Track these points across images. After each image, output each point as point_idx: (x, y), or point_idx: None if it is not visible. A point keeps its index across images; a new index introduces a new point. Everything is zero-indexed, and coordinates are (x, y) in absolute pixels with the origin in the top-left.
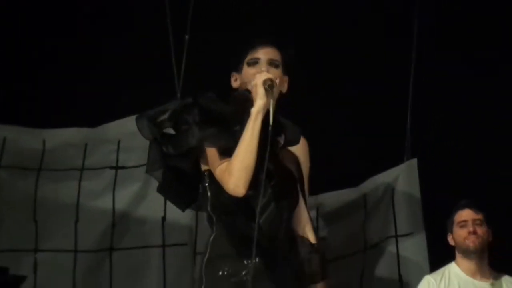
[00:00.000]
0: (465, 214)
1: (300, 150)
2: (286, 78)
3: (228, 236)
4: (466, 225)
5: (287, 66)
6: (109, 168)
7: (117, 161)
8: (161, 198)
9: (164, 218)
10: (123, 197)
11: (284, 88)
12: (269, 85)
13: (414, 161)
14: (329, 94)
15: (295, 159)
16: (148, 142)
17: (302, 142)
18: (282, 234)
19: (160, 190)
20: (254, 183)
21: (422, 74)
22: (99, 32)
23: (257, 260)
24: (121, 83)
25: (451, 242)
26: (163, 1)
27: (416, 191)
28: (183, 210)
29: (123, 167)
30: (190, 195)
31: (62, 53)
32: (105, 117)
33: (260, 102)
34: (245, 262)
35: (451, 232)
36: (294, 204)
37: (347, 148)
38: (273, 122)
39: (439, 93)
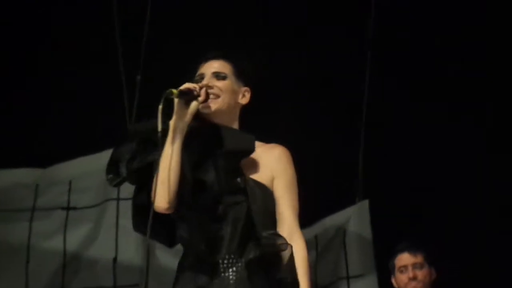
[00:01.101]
0: (404, 258)
1: (272, 159)
2: (243, 89)
3: (183, 257)
4: (405, 270)
5: (245, 76)
6: (61, 209)
7: (69, 202)
8: (112, 239)
9: (115, 259)
10: (74, 238)
11: (244, 99)
12: (180, 93)
13: (365, 203)
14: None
15: (265, 171)
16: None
17: (275, 150)
18: (228, 250)
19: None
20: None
21: (374, 115)
22: (50, 71)
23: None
24: (73, 124)
25: (395, 286)
26: (115, 40)
27: (367, 232)
28: (170, 247)
29: (74, 208)
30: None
31: (12, 92)
32: (57, 158)
33: (174, 118)
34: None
35: (394, 276)
36: (245, 218)
37: (298, 189)
38: (210, 133)
39: (391, 134)
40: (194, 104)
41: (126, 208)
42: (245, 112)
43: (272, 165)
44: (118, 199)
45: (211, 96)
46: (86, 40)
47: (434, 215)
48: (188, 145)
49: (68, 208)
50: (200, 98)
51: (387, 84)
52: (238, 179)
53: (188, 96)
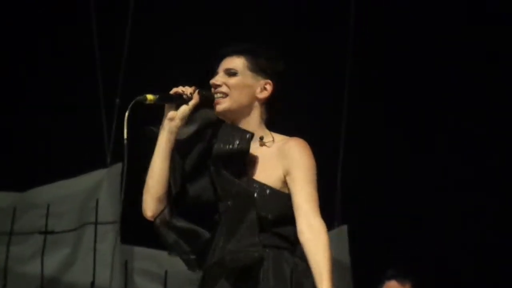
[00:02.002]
0: (391, 286)
1: (284, 154)
2: (262, 82)
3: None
4: None
5: (264, 69)
6: (38, 233)
7: (46, 226)
8: (90, 263)
9: (93, 284)
10: (52, 262)
11: (264, 93)
12: (160, 98)
13: (344, 228)
14: None
15: (275, 169)
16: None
17: (287, 144)
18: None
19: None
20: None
21: (352, 141)
22: (29, 94)
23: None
24: (51, 147)
25: None
26: (94, 63)
27: (346, 257)
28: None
29: (52, 232)
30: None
31: None
32: (35, 182)
33: (163, 123)
34: None
35: None
36: (249, 224)
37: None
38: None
39: (368, 160)
40: (182, 108)
41: (104, 232)
42: None
43: (283, 161)
44: (96, 223)
45: (217, 95)
46: (65, 63)
47: (412, 239)
48: (192, 149)
49: (46, 232)
50: (193, 101)
51: (366, 112)
52: (236, 182)
53: (177, 101)
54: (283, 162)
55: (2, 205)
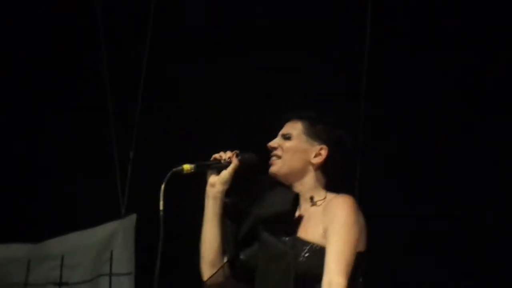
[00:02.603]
0: None
1: (327, 211)
2: (317, 147)
3: None
4: None
5: (319, 134)
6: (53, 284)
7: (61, 277)
8: None
9: None
10: None
11: (318, 158)
12: (197, 167)
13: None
14: None
15: (318, 226)
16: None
17: (332, 201)
18: None
19: None
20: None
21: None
22: (39, 145)
23: None
24: (65, 199)
25: None
26: (108, 115)
27: None
28: None
29: (66, 284)
30: None
31: (3, 166)
32: (49, 233)
33: (206, 189)
34: None
35: None
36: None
37: None
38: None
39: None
40: (223, 173)
41: (119, 284)
42: None
43: (324, 217)
44: (110, 274)
45: (273, 158)
46: (79, 115)
47: None
48: (248, 215)
49: (60, 284)
50: (232, 165)
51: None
52: (275, 243)
53: (215, 167)
54: (324, 219)
55: (17, 256)
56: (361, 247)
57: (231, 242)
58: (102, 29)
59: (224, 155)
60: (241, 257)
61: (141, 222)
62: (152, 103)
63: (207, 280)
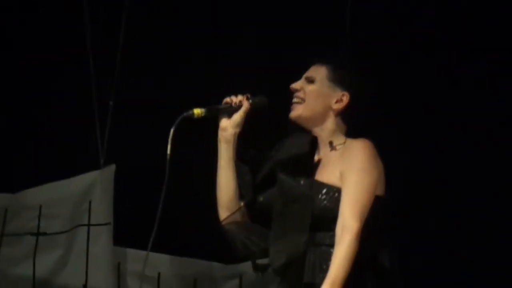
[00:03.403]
0: None
1: (344, 155)
2: (340, 93)
3: None
4: None
5: (342, 81)
6: (30, 234)
7: (39, 227)
8: (82, 266)
9: (85, 286)
10: (44, 264)
11: (339, 104)
12: (208, 110)
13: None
14: None
15: (334, 170)
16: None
17: (350, 145)
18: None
19: None
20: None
21: None
22: (21, 97)
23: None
24: (43, 149)
25: None
26: (88, 68)
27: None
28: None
29: (44, 234)
30: None
31: None
32: (27, 183)
33: (219, 133)
34: None
35: None
36: (299, 225)
37: None
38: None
39: None
40: (234, 117)
41: (97, 234)
42: None
43: (341, 161)
44: (88, 225)
45: (294, 99)
46: (58, 65)
47: None
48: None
49: (38, 234)
50: (243, 108)
51: None
52: (293, 184)
53: (226, 111)
54: (342, 162)
55: None
56: (380, 191)
57: (248, 185)
58: None
59: (235, 99)
60: (260, 199)
61: (120, 172)
62: (133, 52)
63: (223, 221)
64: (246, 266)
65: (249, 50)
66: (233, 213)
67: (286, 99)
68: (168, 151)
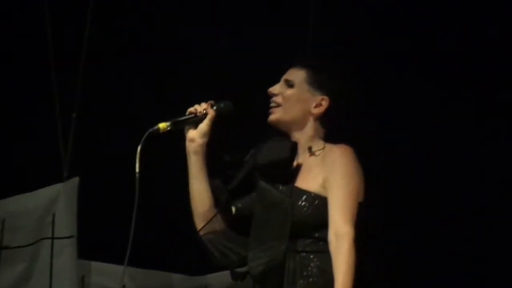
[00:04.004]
0: None
1: (326, 161)
2: (319, 98)
3: None
4: None
5: (322, 85)
6: None
7: (2, 240)
8: (46, 279)
9: None
10: (8, 278)
11: (319, 109)
12: (173, 123)
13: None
14: None
15: (316, 176)
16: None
17: (330, 151)
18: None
19: None
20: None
21: None
22: None
23: None
24: (6, 162)
25: None
26: (51, 80)
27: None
28: None
29: (7, 247)
30: None
31: None
32: None
33: (186, 144)
34: None
35: None
36: (278, 231)
37: None
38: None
39: None
40: (200, 126)
41: (61, 247)
42: None
43: (323, 167)
44: (52, 238)
45: (272, 104)
46: (20, 77)
47: None
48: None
49: (1, 248)
50: (208, 116)
51: None
52: (273, 191)
53: (192, 121)
54: (323, 169)
55: None
56: (360, 198)
57: (222, 192)
58: None
59: (199, 108)
60: (238, 205)
61: (84, 184)
62: (96, 63)
63: (200, 231)
64: (211, 278)
65: (213, 56)
66: (209, 221)
67: (262, 103)
68: (137, 169)
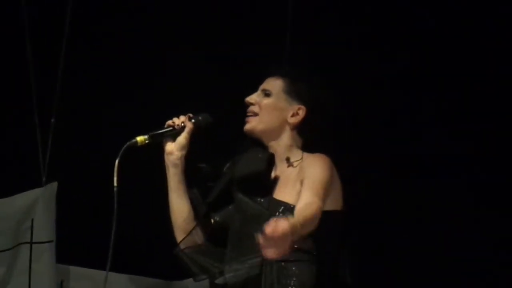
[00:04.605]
0: None
1: (302, 170)
2: (295, 107)
3: None
4: None
5: (299, 94)
6: None
7: None
8: (25, 284)
9: None
10: None
11: (295, 118)
12: (151, 136)
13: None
14: None
15: (294, 185)
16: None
17: (307, 160)
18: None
19: None
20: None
21: None
22: None
23: None
24: None
25: None
26: (29, 84)
27: None
28: None
29: None
30: None
31: None
32: None
33: (165, 158)
34: None
35: None
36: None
37: None
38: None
39: None
40: (178, 139)
41: (40, 252)
42: None
43: (300, 175)
44: (31, 242)
45: (248, 113)
46: None
47: None
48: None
49: None
50: (186, 129)
51: None
52: (249, 203)
53: (170, 134)
54: (300, 176)
55: None
56: (338, 206)
57: (201, 204)
58: None
59: (177, 121)
60: (216, 218)
61: (62, 190)
62: (75, 69)
63: (180, 243)
64: (190, 283)
65: (191, 67)
66: (188, 234)
67: (240, 114)
68: (115, 183)
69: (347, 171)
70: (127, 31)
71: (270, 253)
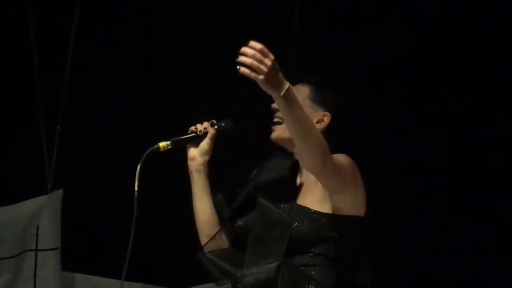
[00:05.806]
0: None
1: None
2: (321, 114)
3: None
4: None
5: (324, 101)
6: None
7: None
8: None
9: None
10: None
11: (321, 124)
12: (174, 142)
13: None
14: None
15: (316, 190)
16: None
17: None
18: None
19: None
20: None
21: None
22: None
23: None
24: None
25: None
26: (35, 92)
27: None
28: None
29: None
30: None
31: None
32: None
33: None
34: None
35: None
36: (275, 248)
37: None
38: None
39: None
40: (201, 145)
41: (45, 259)
42: None
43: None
44: (36, 250)
45: (274, 119)
46: (4, 89)
47: None
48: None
49: None
50: (209, 135)
51: None
52: (272, 209)
53: (192, 140)
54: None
55: None
56: (361, 212)
57: (225, 209)
58: None
59: (200, 127)
60: (240, 223)
61: (68, 197)
62: (81, 76)
63: (204, 247)
64: None
65: (214, 72)
66: (211, 238)
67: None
68: (136, 188)
69: (369, 177)
70: (140, 35)
71: (245, 67)
